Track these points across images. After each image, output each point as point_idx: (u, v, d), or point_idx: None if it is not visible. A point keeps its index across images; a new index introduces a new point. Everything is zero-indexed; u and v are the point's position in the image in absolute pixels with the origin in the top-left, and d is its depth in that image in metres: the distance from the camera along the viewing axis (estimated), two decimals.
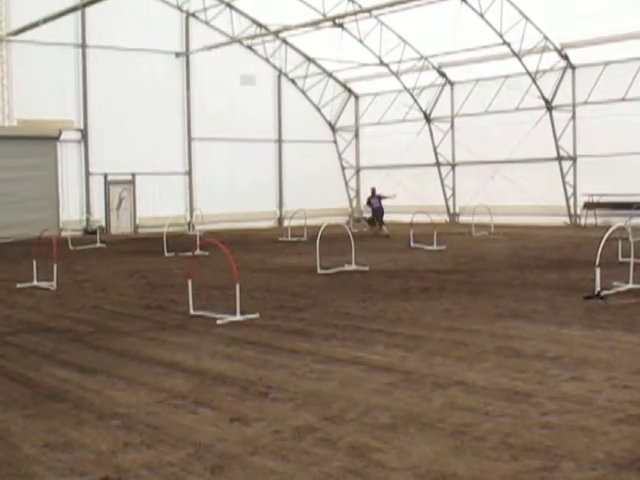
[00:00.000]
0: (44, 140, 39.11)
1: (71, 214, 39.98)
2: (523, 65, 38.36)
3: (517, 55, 37.95)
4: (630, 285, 16.37)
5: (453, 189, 45.19)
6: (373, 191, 38.26)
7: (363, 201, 48.77)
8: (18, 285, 19.62)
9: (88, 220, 40.42)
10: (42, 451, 7.14)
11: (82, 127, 40.47)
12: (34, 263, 19.85)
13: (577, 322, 13.00)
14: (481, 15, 35.95)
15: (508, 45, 37.38)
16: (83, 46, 40.33)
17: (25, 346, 12.17)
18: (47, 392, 9.31)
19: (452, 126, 44.88)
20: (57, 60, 39.32)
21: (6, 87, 38.24)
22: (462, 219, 43.12)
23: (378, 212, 37.42)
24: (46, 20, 33.85)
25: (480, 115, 42.10)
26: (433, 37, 39.83)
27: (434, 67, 43.67)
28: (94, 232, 36.73)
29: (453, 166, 45.06)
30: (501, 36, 36.91)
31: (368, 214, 39.64)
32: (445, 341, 11.68)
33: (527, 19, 36.24)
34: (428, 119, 45.08)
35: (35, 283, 19.58)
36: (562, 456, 6.65)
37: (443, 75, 44.21)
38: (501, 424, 7.57)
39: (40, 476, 6.53)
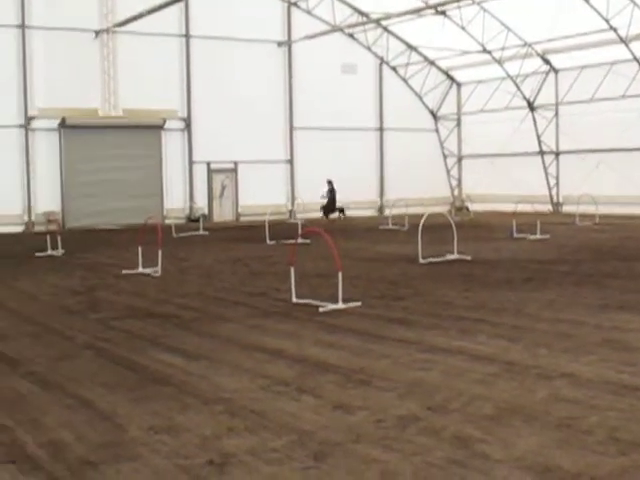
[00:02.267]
0: (149, 129, 39.77)
1: (175, 202, 40.57)
2: (630, 51, 37.47)
3: (624, 41, 37.08)
4: None
5: (557, 178, 44.43)
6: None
7: (465, 189, 48.44)
8: (124, 271, 19.99)
9: (191, 208, 40.94)
10: (147, 434, 7.27)
11: (186, 116, 40.99)
12: (139, 250, 20.19)
13: None
14: (586, 0, 35.22)
15: (615, 31, 36.54)
16: (187, 36, 40.82)
17: (130, 331, 12.40)
18: (152, 376, 9.47)
19: (556, 114, 44.10)
20: (161, 50, 39.89)
21: (112, 78, 38.95)
22: (566, 209, 42.38)
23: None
24: (150, 11, 34.34)
25: (585, 103, 41.26)
26: (537, 23, 39.14)
27: (538, 54, 42.96)
28: (197, 220, 37.16)
29: (557, 155, 44.31)
30: (607, 21, 36.10)
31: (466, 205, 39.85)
32: (549, 332, 11.50)
33: (634, 3, 35.36)
34: (531, 107, 44.40)
35: (140, 269, 19.90)
36: None
37: (547, 62, 43.47)
38: (608, 418, 7.42)
39: (146, 458, 6.65)
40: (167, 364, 10.06)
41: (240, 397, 8.41)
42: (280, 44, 43.53)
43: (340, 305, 13.85)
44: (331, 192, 40.94)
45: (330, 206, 41.05)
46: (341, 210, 41.47)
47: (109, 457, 6.69)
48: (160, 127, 39.94)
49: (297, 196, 43.26)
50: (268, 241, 27.45)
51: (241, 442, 6.99)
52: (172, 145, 40.65)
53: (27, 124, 37.26)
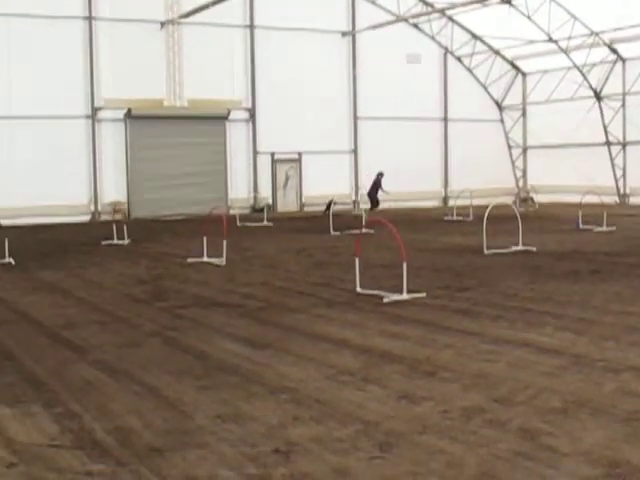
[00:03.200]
0: (214, 120, 40.00)
1: (239, 192, 40.81)
2: None
3: None
4: None
5: (624, 169, 43.84)
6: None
7: (530, 180, 48.00)
8: (189, 260, 20.18)
9: (256, 198, 41.14)
10: (214, 422, 7.33)
11: (250, 107, 41.18)
12: (204, 239, 20.36)
13: None
14: None
15: None
16: (251, 27, 40.98)
17: (196, 319, 12.52)
18: (218, 365, 9.55)
19: (623, 104, 43.49)
20: (226, 41, 40.11)
21: (177, 68, 39.26)
22: (633, 200, 41.84)
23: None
24: (215, 2, 34.55)
25: None
26: (604, 12, 38.60)
27: (605, 43, 42.38)
28: (261, 210, 37.32)
29: (624, 145, 43.71)
30: None
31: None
32: (616, 325, 11.38)
33: None
34: (598, 97, 43.84)
35: (205, 259, 20.08)
36: None
37: (614, 51, 42.87)
38: None
39: (213, 446, 6.71)
40: (233, 353, 10.14)
41: (305, 386, 8.45)
42: (344, 34, 43.50)
43: (404, 296, 13.84)
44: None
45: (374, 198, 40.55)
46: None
47: (176, 444, 6.77)
48: (224, 118, 40.16)
49: (361, 186, 43.25)
50: (332, 231, 27.49)
51: (306, 431, 7.03)
52: (236, 135, 40.87)
53: (94, 115, 37.71)
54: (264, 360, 9.70)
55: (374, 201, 39.75)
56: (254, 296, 14.77)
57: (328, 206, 37.30)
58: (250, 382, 8.70)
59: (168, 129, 38.90)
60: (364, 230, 24.68)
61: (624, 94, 43.17)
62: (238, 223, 31.89)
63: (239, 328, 11.73)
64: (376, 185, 39.98)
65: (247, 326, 11.88)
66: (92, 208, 37.72)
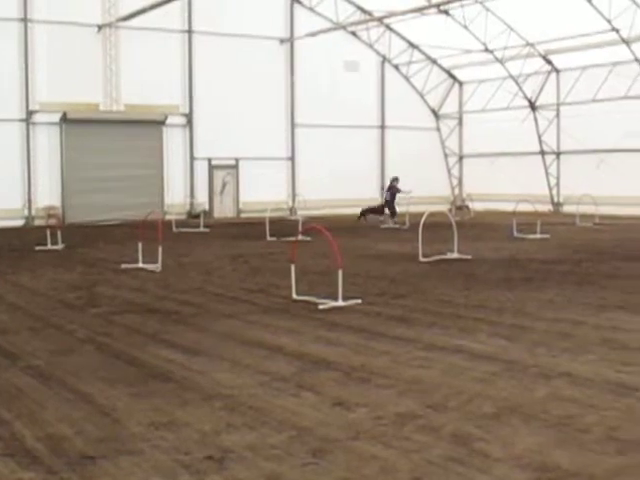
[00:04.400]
0: (150, 125, 39.79)
1: (175, 198, 40.60)
2: (632, 52, 37.50)
3: (626, 42, 37.11)
4: None
5: (557, 178, 44.45)
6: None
7: (466, 188, 48.43)
8: (123, 266, 20.02)
9: (192, 204, 40.97)
10: (147, 429, 7.28)
11: (187, 112, 41.02)
12: (139, 245, 20.21)
13: None
14: (589, 1, 35.24)
15: (617, 31, 36.56)
16: (189, 32, 40.83)
17: (130, 326, 12.42)
18: (152, 371, 9.49)
19: (557, 114, 44.12)
20: (164, 46, 39.90)
21: (114, 73, 38.96)
22: (566, 209, 42.39)
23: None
24: (153, 6, 34.38)
25: (587, 103, 41.27)
26: (539, 23, 39.14)
27: (540, 54, 42.98)
28: (198, 216, 37.19)
29: (558, 154, 44.33)
30: (609, 22, 36.11)
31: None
32: (549, 331, 11.52)
33: (637, 5, 35.36)
34: (533, 107, 44.42)
35: (140, 265, 19.93)
36: None
37: (549, 62, 43.49)
38: (606, 417, 7.44)
39: (146, 453, 6.66)
40: (167, 360, 10.08)
41: (239, 393, 8.43)
42: (282, 41, 43.55)
43: (340, 302, 13.87)
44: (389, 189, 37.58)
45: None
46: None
47: (108, 452, 6.71)
48: (161, 123, 39.96)
49: (298, 193, 43.28)
50: (268, 238, 27.47)
51: (240, 438, 7.01)
52: (173, 141, 40.68)
53: (28, 118, 37.26)
54: (198, 367, 9.65)
55: (393, 210, 36.48)
56: (189, 302, 14.70)
57: (363, 212, 37.03)
58: (184, 389, 8.65)
59: (104, 134, 38.57)
60: (301, 237, 24.68)
61: (558, 104, 43.79)
62: (174, 229, 31.73)
63: (174, 334, 11.66)
64: (392, 191, 36.86)
65: (182, 332, 11.82)
66: (26, 213, 37.24)
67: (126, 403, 8.12)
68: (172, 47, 40.43)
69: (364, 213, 37.04)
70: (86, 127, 38.17)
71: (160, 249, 19.48)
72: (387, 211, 36.05)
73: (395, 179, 36.83)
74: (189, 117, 41.04)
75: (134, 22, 37.17)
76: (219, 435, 7.11)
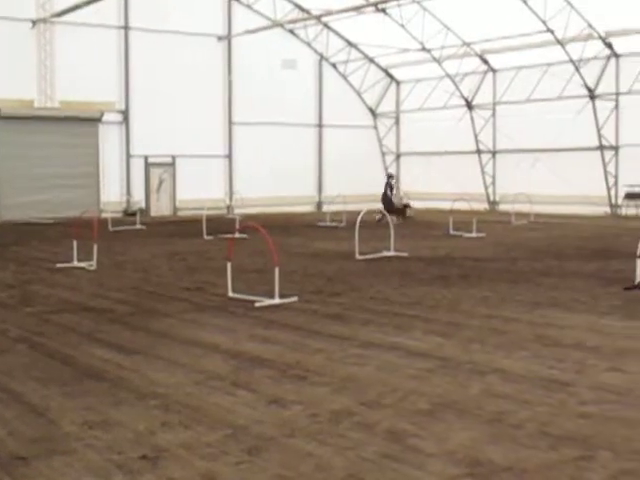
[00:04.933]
0: (86, 121, 39.39)
1: (111, 195, 40.25)
2: (566, 53, 38.03)
3: (560, 43, 37.62)
4: None
5: (493, 177, 44.94)
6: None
7: (403, 187, 48.67)
8: (58, 265, 19.79)
9: (128, 202, 40.66)
10: (81, 428, 7.21)
11: (124, 109, 40.68)
12: (74, 243, 19.99)
13: (616, 312, 12.91)
14: (525, 1, 35.65)
15: (552, 32, 37.04)
16: (126, 28, 40.51)
17: (65, 325, 12.29)
18: (86, 371, 9.40)
19: (494, 113, 44.59)
20: (100, 42, 39.50)
21: (49, 69, 38.50)
22: (502, 207, 42.86)
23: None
24: (89, 2, 34.03)
25: (522, 103, 41.79)
26: (476, 23, 39.52)
27: (476, 54, 43.39)
28: (134, 214, 36.93)
29: (494, 154, 44.80)
30: (545, 23, 36.58)
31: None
32: (483, 328, 11.64)
33: (571, 6, 35.86)
34: (469, 106, 44.83)
35: (75, 263, 19.72)
36: (600, 446, 6.62)
37: (485, 62, 43.92)
38: (539, 413, 7.54)
39: (79, 453, 6.60)
40: (101, 359, 9.99)
41: (175, 392, 8.39)
42: (220, 38, 43.39)
43: (276, 300, 13.88)
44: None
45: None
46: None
47: (41, 452, 6.63)
48: (97, 120, 39.59)
49: (235, 191, 43.16)
50: (205, 236, 27.36)
51: (175, 437, 6.98)
52: (109, 138, 40.31)
53: None
54: (133, 366, 9.59)
55: (392, 207, 35.55)
56: (125, 301, 14.59)
57: (402, 211, 35.88)
58: (119, 388, 8.59)
59: (39, 130, 38.08)
60: (237, 235, 24.66)
61: (494, 104, 44.25)
62: (110, 227, 31.43)
63: (108, 333, 11.56)
64: (388, 188, 36.99)
65: (117, 331, 11.72)
66: None
67: (60, 402, 8.04)
68: (108, 43, 40.05)
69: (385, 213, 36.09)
70: (20, 124, 37.67)
71: (95, 247, 19.31)
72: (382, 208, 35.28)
73: (390, 176, 36.46)
74: (125, 114, 40.71)
75: (69, 17, 36.75)
76: (154, 434, 7.06)
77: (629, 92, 38.03)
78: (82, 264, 19.49)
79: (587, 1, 35.34)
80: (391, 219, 26.57)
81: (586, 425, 7.18)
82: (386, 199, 35.80)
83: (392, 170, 47.83)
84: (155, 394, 8.30)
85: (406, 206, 35.65)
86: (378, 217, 31.69)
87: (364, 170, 46.96)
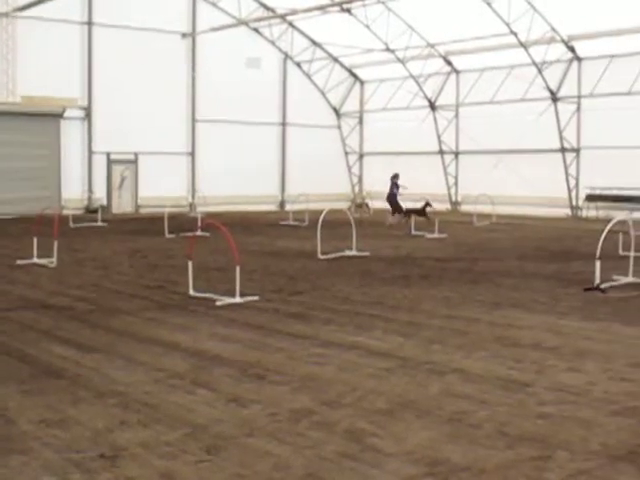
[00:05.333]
0: (48, 117, 39.06)
1: (73, 192, 39.94)
2: (529, 56, 38.27)
3: (524, 45, 37.85)
4: (630, 278, 16.37)
5: (456, 178, 45.14)
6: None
7: (365, 187, 48.77)
8: (18, 262, 19.62)
9: (90, 198, 40.40)
10: (39, 427, 7.16)
11: (86, 105, 40.41)
12: (34, 240, 19.84)
13: (576, 313, 13.02)
14: (489, 4, 35.86)
15: (515, 35, 37.27)
16: (89, 24, 40.23)
17: (24, 322, 12.19)
18: (45, 369, 9.33)
19: (457, 115, 44.79)
20: (63, 37, 39.21)
21: (11, 63, 38.15)
22: (464, 208, 43.06)
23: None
24: None
25: (485, 104, 42.04)
26: (440, 25, 39.68)
27: (440, 55, 43.56)
28: (95, 211, 36.69)
29: (456, 154, 45.00)
30: (508, 26, 36.79)
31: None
32: (443, 329, 11.69)
33: (535, 9, 36.12)
34: (433, 107, 45.01)
35: (35, 260, 19.57)
36: (557, 446, 6.67)
37: (449, 63, 44.11)
38: (497, 413, 7.58)
39: (37, 452, 6.55)
40: (60, 357, 9.93)
41: (134, 390, 8.35)
42: (184, 35, 43.23)
43: (237, 299, 13.85)
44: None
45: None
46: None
47: None
48: (59, 115, 39.29)
49: (198, 189, 43.03)
50: (167, 234, 27.27)
51: (134, 435, 6.95)
52: (71, 134, 40.01)
53: None
54: (93, 364, 9.53)
55: (399, 206, 35.04)
56: (85, 298, 14.50)
57: (407, 213, 34.38)
58: (77, 386, 8.53)
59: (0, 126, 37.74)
60: (199, 233, 24.59)
61: (457, 105, 44.45)
62: (71, 224, 31.22)
63: (68, 331, 11.49)
64: (395, 188, 35.71)
65: (76, 329, 11.65)
66: None
67: (17, 401, 7.97)
68: (71, 39, 39.77)
69: (408, 214, 35.62)
70: None
71: (56, 244, 19.17)
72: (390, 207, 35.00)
73: (395, 176, 36.14)
74: (88, 110, 40.43)
75: (33, 12, 36.39)
76: (112, 433, 7.03)
77: (591, 95, 38.34)
78: (42, 261, 19.35)
79: (550, 5, 35.61)
80: (398, 218, 26.45)
81: (544, 425, 7.24)
82: (393, 199, 35.53)
83: (355, 170, 47.93)
84: (114, 392, 8.26)
85: (427, 204, 35.15)
86: (393, 220, 32.13)
87: (327, 169, 47.06)
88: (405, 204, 34.45)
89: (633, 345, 10.68)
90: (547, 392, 8.30)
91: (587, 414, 7.56)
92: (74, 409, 7.69)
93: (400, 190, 35.16)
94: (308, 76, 48.00)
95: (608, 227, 15.62)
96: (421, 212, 33.60)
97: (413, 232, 28.43)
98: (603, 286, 15.36)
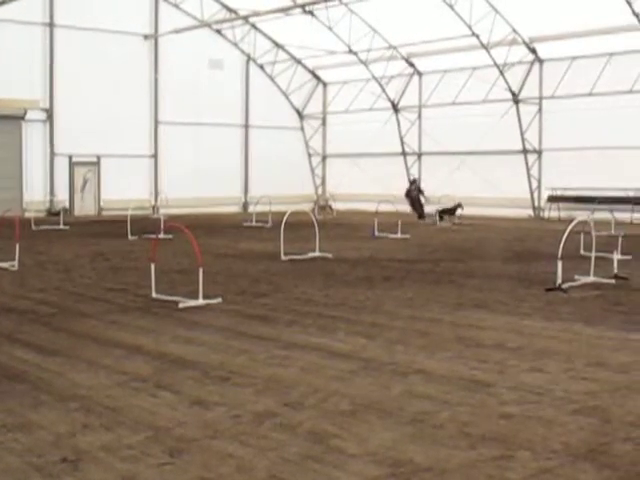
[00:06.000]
0: (9, 119, 38.81)
1: (35, 195, 39.71)
2: (491, 57, 38.51)
3: (485, 47, 38.09)
4: (591, 278, 16.51)
5: (419, 179, 45.28)
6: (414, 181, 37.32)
7: (329, 188, 48.86)
8: None
9: (52, 201, 40.15)
10: (0, 431, 7.10)
11: (48, 107, 40.16)
12: None
13: (538, 314, 13.10)
14: (451, 6, 36.04)
15: (477, 37, 37.50)
16: (51, 25, 39.99)
17: None
18: (6, 372, 9.24)
19: (419, 116, 44.98)
20: (24, 39, 38.98)
21: None
22: (426, 209, 43.18)
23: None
24: None
25: (447, 106, 42.27)
26: (402, 27, 39.86)
27: (403, 57, 43.72)
28: (58, 213, 36.47)
29: (419, 156, 45.19)
30: (470, 28, 37.02)
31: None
32: (406, 330, 11.72)
33: (496, 11, 36.36)
34: (396, 108, 45.14)
35: None
36: (519, 446, 6.71)
37: (411, 65, 44.28)
38: (459, 413, 7.61)
39: None
40: (22, 360, 9.84)
41: (96, 394, 8.30)
42: (146, 37, 43.10)
43: (200, 301, 13.81)
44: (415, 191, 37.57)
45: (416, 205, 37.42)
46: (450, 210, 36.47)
47: None
48: (21, 117, 39.04)
49: (161, 191, 42.88)
50: (130, 236, 27.14)
51: (96, 439, 6.91)
52: (33, 136, 39.79)
53: None
54: (54, 367, 9.46)
55: (421, 207, 36.45)
56: (46, 302, 14.40)
57: (441, 213, 35.20)
58: (39, 390, 8.47)
59: None
60: (162, 235, 24.50)
61: (420, 106, 44.61)
62: (33, 227, 31.01)
63: (29, 334, 11.40)
64: (416, 193, 37.07)
65: (38, 332, 11.56)
66: None
67: None
68: (33, 40, 39.52)
69: (441, 214, 35.81)
70: None
71: (18, 247, 19.02)
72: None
73: (414, 180, 36.08)
74: (50, 112, 40.19)
75: None
76: (74, 436, 6.98)
77: (552, 96, 38.66)
78: (4, 264, 19.18)
79: (512, 7, 35.88)
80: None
81: (506, 425, 7.28)
82: (415, 200, 35.69)
83: (320, 174, 48.01)
84: (76, 396, 8.21)
85: (458, 206, 35.20)
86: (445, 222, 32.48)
87: (290, 171, 47.12)
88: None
89: (594, 345, 10.77)
90: (509, 392, 8.35)
91: (549, 413, 7.62)
92: (36, 413, 7.63)
93: (424, 192, 35.70)
94: (271, 78, 48.00)
95: (569, 227, 15.74)
96: (452, 211, 34.00)
97: (376, 233, 28.46)
98: (565, 286, 15.48)
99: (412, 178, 39.48)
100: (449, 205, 36.07)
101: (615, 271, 16.96)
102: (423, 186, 38.99)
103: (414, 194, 38.59)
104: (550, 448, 6.68)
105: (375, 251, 23.55)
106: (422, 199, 38.07)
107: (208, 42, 44.95)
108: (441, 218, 35.27)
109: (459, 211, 34.99)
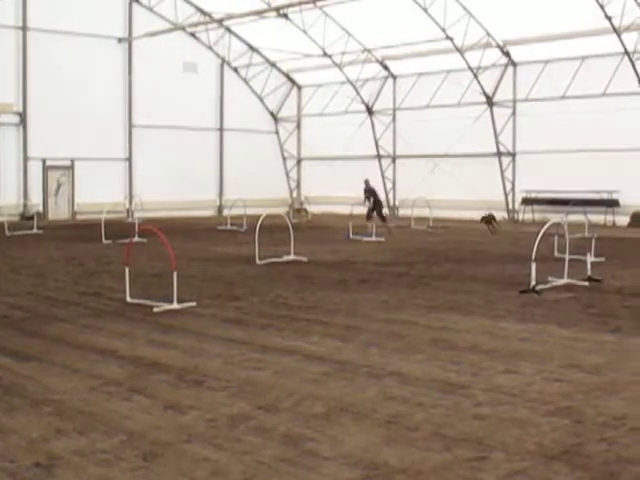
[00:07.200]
0: None
1: (8, 199, 39.45)
2: (465, 60, 38.63)
3: (459, 50, 38.21)
4: (565, 280, 16.59)
5: (393, 182, 45.40)
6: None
7: (304, 191, 48.87)
8: None
9: (25, 205, 39.92)
10: None
11: (21, 111, 39.92)
12: None
13: (512, 316, 13.16)
14: (425, 10, 36.14)
15: (451, 40, 37.61)
16: (24, 28, 39.77)
17: None
18: None
19: (394, 119, 45.06)
20: None
21: None
22: (402, 212, 43.29)
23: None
24: None
25: (422, 109, 42.37)
26: (377, 30, 39.90)
27: (377, 60, 43.79)
28: (31, 217, 36.22)
29: (394, 159, 45.26)
30: (444, 31, 37.13)
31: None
32: (381, 332, 11.74)
33: (470, 15, 36.49)
34: (370, 111, 45.21)
35: None
36: (493, 447, 6.74)
37: (386, 68, 44.36)
38: (434, 415, 7.63)
39: None
40: None
41: (70, 398, 8.26)
42: (120, 40, 42.95)
43: (175, 305, 13.78)
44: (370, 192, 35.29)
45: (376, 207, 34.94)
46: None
47: None
48: None
49: (135, 194, 42.74)
50: (104, 240, 27.04)
51: (69, 443, 6.88)
52: (6, 140, 39.53)
53: None
54: (27, 372, 9.41)
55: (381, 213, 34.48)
56: (20, 306, 14.32)
57: (489, 220, 33.40)
58: (12, 395, 8.42)
59: None
60: (136, 239, 24.41)
61: (394, 109, 44.70)
62: (6, 231, 30.83)
63: (3, 339, 11.33)
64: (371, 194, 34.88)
65: (11, 337, 11.49)
66: None
67: None
68: (6, 43, 39.28)
69: (489, 220, 33.50)
70: None
71: None
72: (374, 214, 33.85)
73: (366, 182, 35.07)
74: (23, 116, 39.96)
75: None
76: (48, 441, 6.95)
77: (526, 99, 38.83)
78: None
79: (486, 10, 36.01)
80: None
81: (480, 426, 7.30)
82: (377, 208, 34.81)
83: (295, 175, 47.98)
84: (50, 400, 8.17)
85: (491, 217, 33.50)
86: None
87: (265, 175, 47.10)
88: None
89: (567, 346, 10.83)
90: (483, 394, 8.38)
91: (522, 415, 7.65)
92: (9, 418, 7.59)
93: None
94: (245, 81, 47.97)
95: (543, 230, 15.82)
96: (489, 220, 33.11)
97: (351, 236, 28.45)
98: (539, 288, 15.55)
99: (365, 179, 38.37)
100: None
101: (589, 273, 17.06)
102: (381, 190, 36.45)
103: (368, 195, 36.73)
104: (524, 449, 6.71)
105: (350, 254, 23.57)
106: (367, 203, 36.19)
107: (182, 45, 44.86)
108: (490, 224, 33.23)
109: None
